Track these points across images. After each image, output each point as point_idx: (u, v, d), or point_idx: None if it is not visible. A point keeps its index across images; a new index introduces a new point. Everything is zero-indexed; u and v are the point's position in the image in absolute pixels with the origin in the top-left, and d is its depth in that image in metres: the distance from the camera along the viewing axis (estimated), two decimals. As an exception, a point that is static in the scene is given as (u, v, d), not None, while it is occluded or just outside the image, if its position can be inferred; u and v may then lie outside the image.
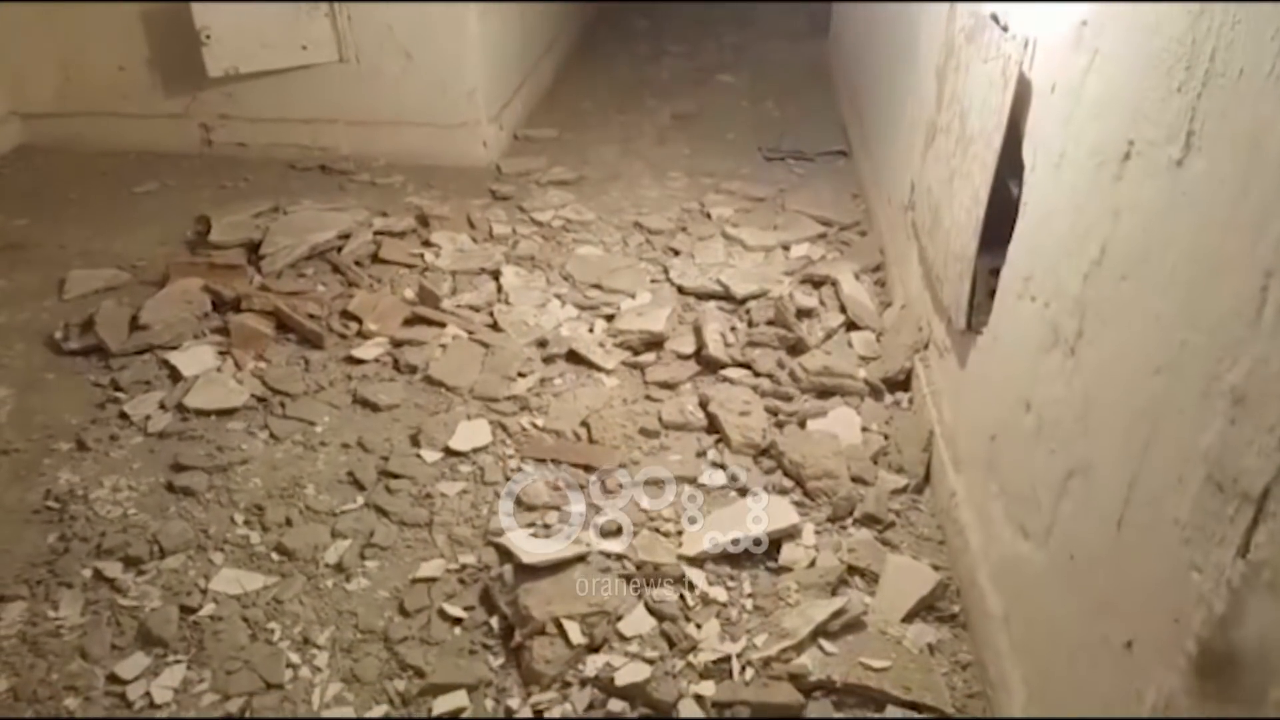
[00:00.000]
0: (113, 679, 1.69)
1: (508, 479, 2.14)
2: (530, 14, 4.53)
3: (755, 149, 4.08)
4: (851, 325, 2.68)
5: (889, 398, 2.42)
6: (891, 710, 1.64)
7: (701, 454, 2.23)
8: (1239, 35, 0.98)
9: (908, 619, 1.81)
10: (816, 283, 2.90)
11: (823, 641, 1.73)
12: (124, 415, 2.34)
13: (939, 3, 2.40)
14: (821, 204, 3.49)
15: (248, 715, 1.64)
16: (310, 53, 3.72)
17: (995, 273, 1.90)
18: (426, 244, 3.15)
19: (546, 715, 1.63)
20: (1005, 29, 1.77)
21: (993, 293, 1.89)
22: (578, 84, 4.95)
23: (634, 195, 3.64)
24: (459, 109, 3.82)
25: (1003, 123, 1.71)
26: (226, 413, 2.35)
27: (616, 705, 1.64)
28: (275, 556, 1.95)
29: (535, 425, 2.32)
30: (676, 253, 3.16)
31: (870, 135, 3.55)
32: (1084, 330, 1.40)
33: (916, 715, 1.63)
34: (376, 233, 3.16)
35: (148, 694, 1.66)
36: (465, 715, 1.63)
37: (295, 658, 1.74)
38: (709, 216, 3.42)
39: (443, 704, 1.64)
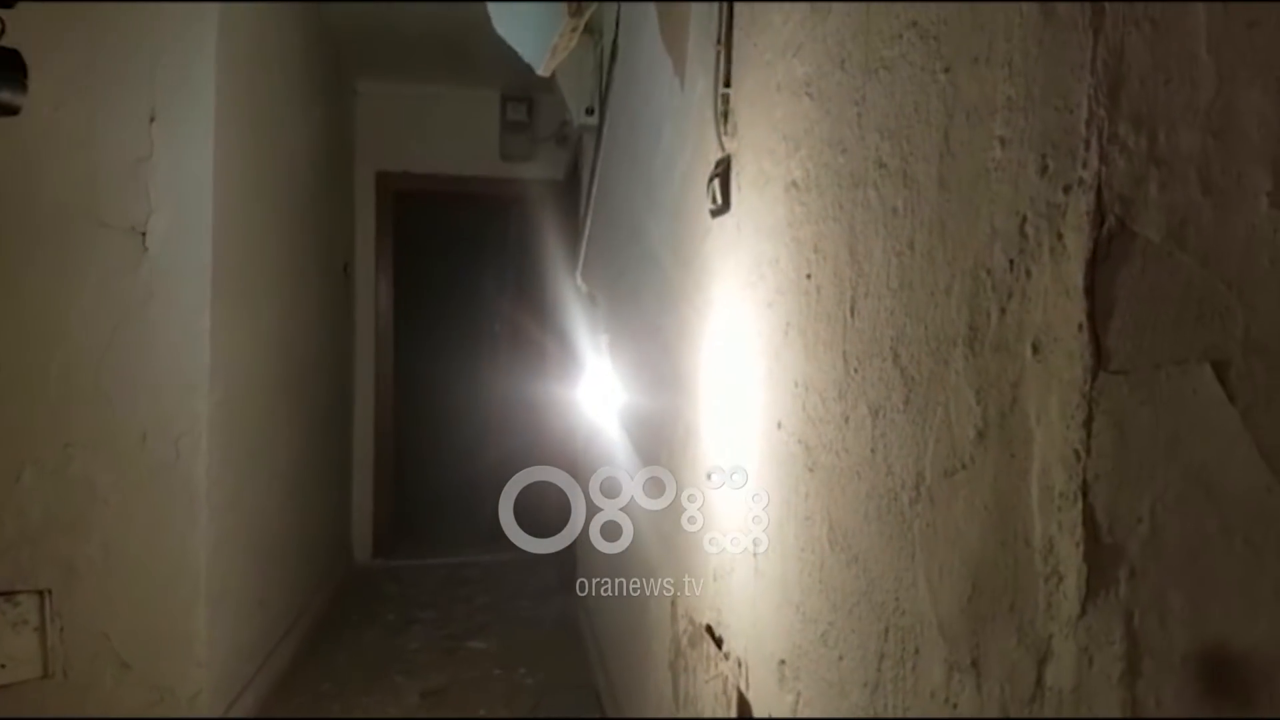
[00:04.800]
0: None
1: None
2: (270, 597, 4.42)
3: (509, 726, 3.94)
4: None
5: None
6: None
7: None
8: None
9: None
10: None
11: None
12: None
13: (662, 592, 2.55)
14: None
15: None
16: (9, 671, 3.35)
17: None
18: None
19: None
20: (719, 642, 1.88)
21: None
22: (321, 661, 4.72)
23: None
24: (178, 713, 3.49)
25: (735, 741, 1.75)
26: None
27: None
28: None
29: None
30: None
31: (624, 710, 3.53)
32: None
33: None
34: None
35: None
36: None
37: None
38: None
39: None
